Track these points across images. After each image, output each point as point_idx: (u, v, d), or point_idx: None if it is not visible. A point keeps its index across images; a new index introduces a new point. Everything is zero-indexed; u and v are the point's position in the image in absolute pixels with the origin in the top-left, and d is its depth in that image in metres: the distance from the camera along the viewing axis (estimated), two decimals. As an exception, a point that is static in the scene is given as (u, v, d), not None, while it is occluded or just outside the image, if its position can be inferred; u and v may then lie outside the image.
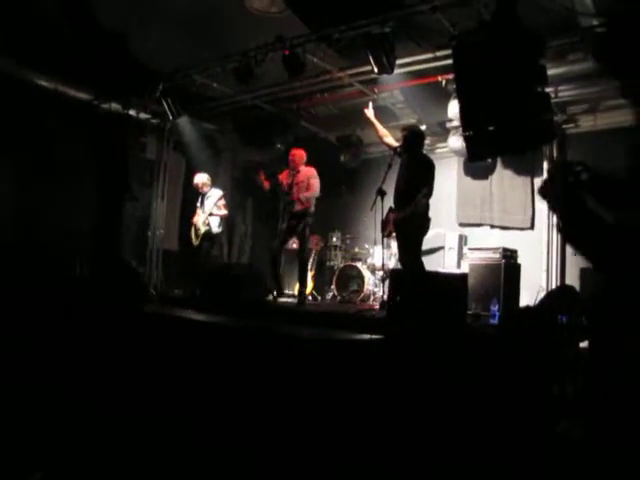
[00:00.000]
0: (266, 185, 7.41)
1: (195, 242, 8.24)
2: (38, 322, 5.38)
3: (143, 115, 9.31)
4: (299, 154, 7.40)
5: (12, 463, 2.94)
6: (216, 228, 8.18)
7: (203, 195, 8.28)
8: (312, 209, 7.24)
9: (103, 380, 4.50)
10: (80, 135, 8.57)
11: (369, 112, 6.61)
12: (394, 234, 6.35)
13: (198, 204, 8.32)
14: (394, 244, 7.84)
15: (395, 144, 6.35)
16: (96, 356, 4.92)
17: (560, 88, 7.46)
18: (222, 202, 8.20)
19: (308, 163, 7.49)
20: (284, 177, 7.37)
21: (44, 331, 5.26)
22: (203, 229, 8.12)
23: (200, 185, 8.29)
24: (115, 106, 8.83)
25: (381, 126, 6.60)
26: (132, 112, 9.07)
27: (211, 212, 8.07)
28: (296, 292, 8.51)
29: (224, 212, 8.24)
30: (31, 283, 6.52)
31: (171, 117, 8.51)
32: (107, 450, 3.18)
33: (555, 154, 8.38)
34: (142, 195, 9.50)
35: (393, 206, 6.16)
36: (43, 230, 7.95)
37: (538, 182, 8.62)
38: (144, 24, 7.07)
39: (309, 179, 7.26)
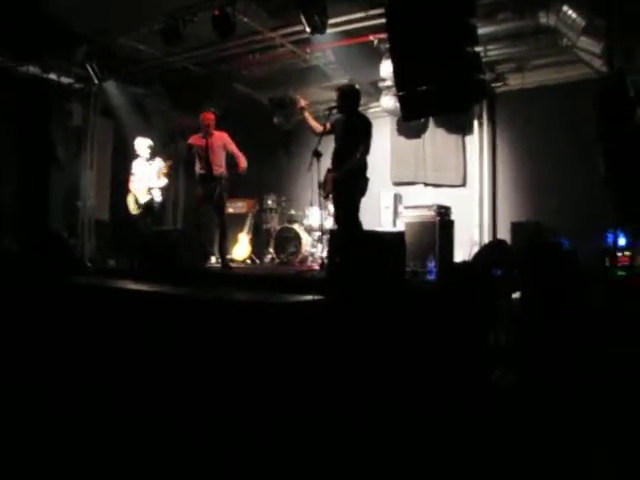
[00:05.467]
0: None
1: (135, 211, 7.91)
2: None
3: (65, 79, 8.90)
4: (212, 117, 7.25)
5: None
6: (158, 197, 7.94)
7: (141, 161, 7.94)
8: (226, 173, 7.32)
9: (40, 361, 4.40)
10: (-1, 100, 8.13)
11: (303, 103, 6.47)
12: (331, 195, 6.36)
13: (134, 170, 7.95)
14: (331, 205, 7.89)
15: (327, 127, 6.28)
16: (29, 334, 4.78)
17: (489, 47, 7.61)
18: (165, 171, 7.85)
19: (220, 127, 7.41)
20: (195, 141, 7.23)
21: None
22: (145, 198, 7.83)
23: (142, 150, 7.96)
24: (33, 69, 8.39)
25: (312, 119, 6.48)
26: (53, 76, 8.65)
27: (154, 181, 7.80)
28: (240, 257, 9.00)
29: (166, 181, 7.93)
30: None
31: (96, 81, 8.19)
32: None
33: (485, 112, 8.60)
34: (70, 164, 9.15)
35: (331, 167, 6.16)
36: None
37: (469, 140, 8.85)
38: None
39: (229, 145, 7.30)
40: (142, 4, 6.99)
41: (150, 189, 7.83)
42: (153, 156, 7.99)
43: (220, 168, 7.21)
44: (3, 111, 8.22)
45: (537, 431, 3.13)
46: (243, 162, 7.22)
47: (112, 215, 9.91)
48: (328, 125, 6.25)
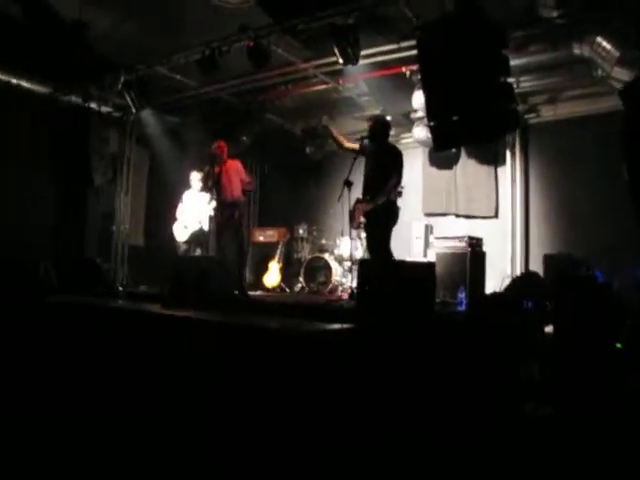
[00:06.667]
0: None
1: (182, 238, 8.06)
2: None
3: (105, 108, 9.14)
4: (223, 145, 7.42)
5: None
6: (206, 227, 8.05)
7: (193, 192, 8.13)
8: (243, 198, 7.51)
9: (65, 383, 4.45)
10: (39, 129, 8.36)
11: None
12: (362, 225, 6.38)
13: (185, 200, 8.14)
14: (363, 234, 7.88)
15: (356, 145, 6.37)
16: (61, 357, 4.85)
17: (522, 79, 7.60)
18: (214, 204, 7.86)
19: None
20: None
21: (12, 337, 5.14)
22: (195, 227, 7.98)
23: (195, 183, 8.15)
24: (75, 99, 8.66)
25: (339, 135, 6.62)
26: (93, 105, 8.88)
27: (205, 212, 7.89)
28: (270, 285, 9.18)
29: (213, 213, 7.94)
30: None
31: (134, 110, 8.37)
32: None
33: (517, 143, 8.55)
34: (106, 190, 9.34)
35: (361, 197, 6.18)
36: (2, 230, 7.71)
37: (501, 171, 8.79)
38: (105, 14, 6.95)
39: (241, 172, 7.49)
40: (179, 36, 7.19)
41: (200, 219, 7.98)
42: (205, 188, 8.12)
43: (235, 194, 7.32)
44: (44, 140, 8.46)
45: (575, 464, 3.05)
46: (250, 183, 7.61)
47: (146, 241, 10.07)
48: (357, 145, 6.31)
